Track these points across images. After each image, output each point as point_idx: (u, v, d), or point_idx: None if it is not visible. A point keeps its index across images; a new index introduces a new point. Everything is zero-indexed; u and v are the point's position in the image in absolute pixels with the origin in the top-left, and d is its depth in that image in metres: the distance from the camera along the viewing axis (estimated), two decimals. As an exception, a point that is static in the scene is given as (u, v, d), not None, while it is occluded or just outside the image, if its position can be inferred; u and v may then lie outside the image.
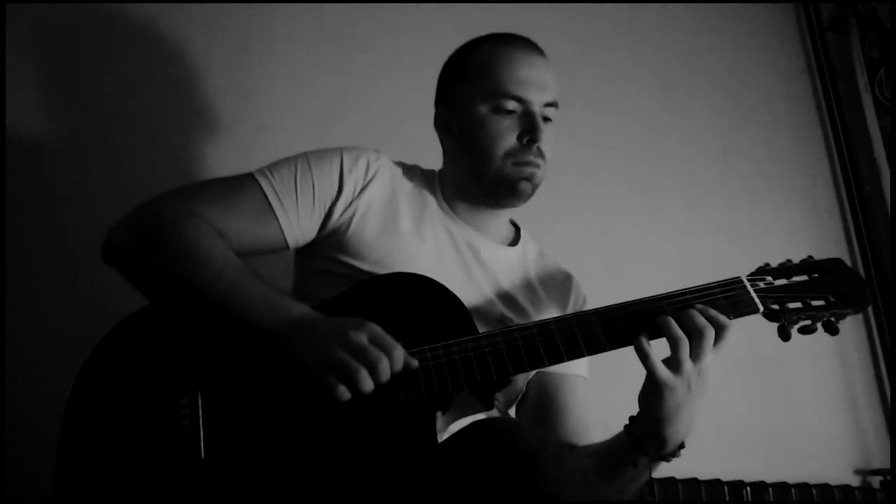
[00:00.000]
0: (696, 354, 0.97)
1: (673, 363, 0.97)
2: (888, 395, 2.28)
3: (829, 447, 2.16)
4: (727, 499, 1.87)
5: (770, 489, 1.92)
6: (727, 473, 1.88)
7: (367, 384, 0.94)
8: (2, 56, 1.52)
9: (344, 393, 0.94)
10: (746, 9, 2.56)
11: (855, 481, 2.14)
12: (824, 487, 2.00)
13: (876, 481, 2.16)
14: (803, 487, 1.96)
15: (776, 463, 1.98)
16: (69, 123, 1.62)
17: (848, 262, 2.37)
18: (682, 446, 1.03)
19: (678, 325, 0.99)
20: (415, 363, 0.99)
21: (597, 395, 1.29)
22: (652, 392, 0.98)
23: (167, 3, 1.72)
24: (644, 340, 0.99)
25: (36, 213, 1.52)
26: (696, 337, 0.98)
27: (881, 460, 2.20)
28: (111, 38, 1.68)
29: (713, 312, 1.00)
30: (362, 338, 0.95)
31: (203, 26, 1.75)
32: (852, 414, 2.25)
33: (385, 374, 0.95)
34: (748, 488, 1.89)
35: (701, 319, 0.99)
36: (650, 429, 1.00)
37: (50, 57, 1.62)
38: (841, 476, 2.11)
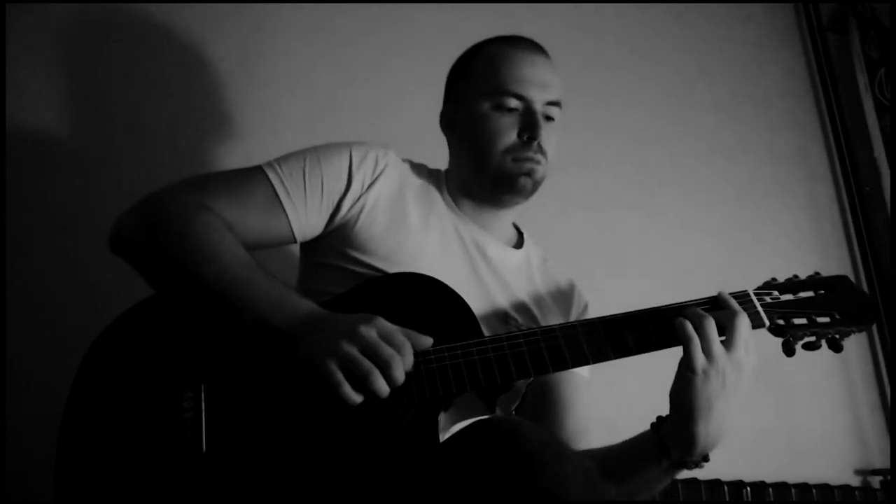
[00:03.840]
0: (728, 341, 0.98)
1: (705, 349, 0.97)
2: (888, 395, 2.28)
3: (829, 447, 2.16)
4: (727, 499, 1.87)
5: (770, 489, 1.92)
6: (727, 473, 1.88)
7: (382, 387, 0.93)
8: (2, 56, 1.52)
9: (350, 395, 0.93)
10: (746, 9, 2.57)
11: (855, 481, 2.14)
12: (824, 487, 2.00)
13: (876, 481, 2.16)
14: (803, 487, 1.96)
15: (776, 463, 1.99)
16: (70, 123, 1.61)
17: (848, 261, 2.40)
18: (706, 459, 1.02)
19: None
20: (429, 341, 0.99)
21: (599, 397, 1.29)
22: (684, 381, 0.97)
23: (169, 3, 1.72)
24: (686, 322, 0.98)
25: (38, 212, 1.52)
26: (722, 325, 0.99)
27: (881, 460, 2.20)
28: (112, 37, 1.68)
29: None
30: (372, 333, 0.95)
31: (206, 25, 1.75)
32: (852, 414, 2.25)
33: (399, 376, 0.94)
34: (748, 488, 1.89)
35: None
36: (680, 426, 0.99)
37: (50, 56, 1.62)
38: (841, 476, 2.11)
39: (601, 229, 2.08)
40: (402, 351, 0.95)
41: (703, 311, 1.00)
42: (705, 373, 0.96)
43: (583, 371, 1.26)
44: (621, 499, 1.06)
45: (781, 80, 2.56)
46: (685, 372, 0.97)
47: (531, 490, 0.77)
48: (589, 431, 1.21)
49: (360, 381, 0.93)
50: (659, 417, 1.04)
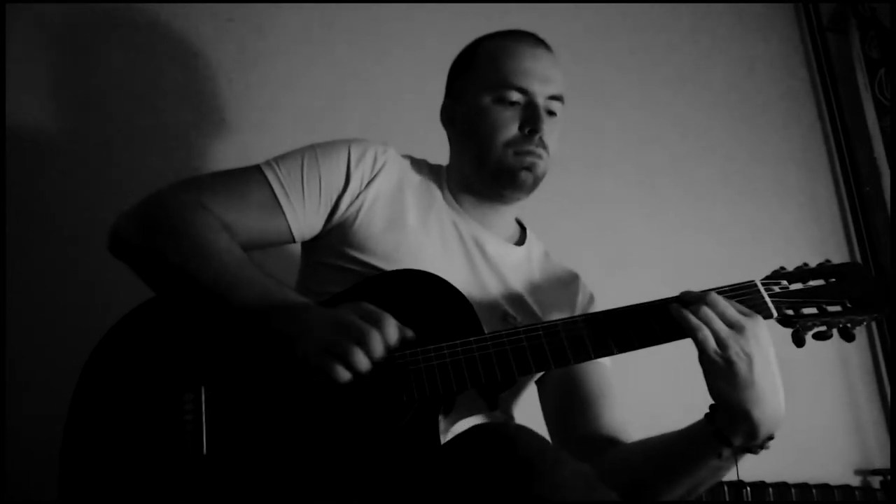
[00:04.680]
0: (724, 317, 0.95)
1: (714, 334, 0.94)
2: (888, 395, 2.28)
3: (829, 447, 2.16)
4: (727, 499, 1.86)
5: (770, 489, 1.92)
6: (727, 473, 1.88)
7: (361, 360, 0.92)
8: (2, 56, 1.52)
9: (340, 372, 0.92)
10: (746, 9, 2.56)
11: (855, 481, 2.14)
12: (824, 487, 2.00)
13: (876, 481, 2.16)
14: (803, 487, 1.96)
15: (776, 463, 1.98)
16: (70, 123, 1.61)
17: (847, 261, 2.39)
18: (771, 437, 0.99)
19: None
20: (409, 333, 0.97)
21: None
22: (712, 374, 0.95)
23: (169, 3, 1.72)
24: (687, 314, 0.96)
25: (38, 212, 1.52)
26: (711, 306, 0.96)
27: (881, 460, 2.20)
28: (112, 37, 1.68)
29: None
30: (350, 315, 0.95)
31: (206, 25, 1.75)
32: (852, 414, 2.25)
33: (376, 346, 0.93)
34: (748, 488, 1.89)
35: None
36: (734, 416, 0.96)
37: (50, 56, 1.62)
38: (841, 476, 2.11)
39: (601, 228, 2.08)
40: (380, 324, 0.94)
41: (697, 295, 0.98)
42: (725, 359, 0.94)
43: (605, 360, 1.24)
44: (681, 495, 1.05)
45: (781, 80, 2.56)
46: (707, 366, 0.95)
47: (529, 496, 0.77)
48: (625, 420, 1.20)
49: (343, 361, 0.92)
50: (712, 406, 1.00)
